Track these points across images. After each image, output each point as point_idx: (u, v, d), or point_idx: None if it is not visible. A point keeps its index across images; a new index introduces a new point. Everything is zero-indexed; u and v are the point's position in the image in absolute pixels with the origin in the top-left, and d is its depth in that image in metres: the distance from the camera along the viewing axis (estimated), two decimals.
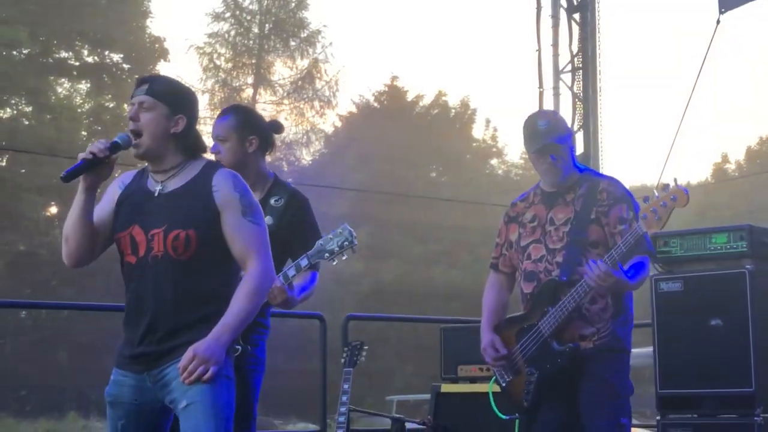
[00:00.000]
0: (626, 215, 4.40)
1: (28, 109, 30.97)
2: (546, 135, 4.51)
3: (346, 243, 4.57)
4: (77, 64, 32.51)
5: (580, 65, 10.44)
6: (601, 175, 4.75)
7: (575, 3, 10.53)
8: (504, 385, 4.65)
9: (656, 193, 4.19)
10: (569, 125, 10.17)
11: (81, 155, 3.66)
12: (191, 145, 3.81)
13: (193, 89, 3.93)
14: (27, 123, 30.32)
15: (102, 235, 3.79)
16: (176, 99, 3.77)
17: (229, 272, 3.75)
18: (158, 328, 3.64)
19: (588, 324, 4.40)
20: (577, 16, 10.53)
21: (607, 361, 4.41)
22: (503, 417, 4.96)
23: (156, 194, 3.74)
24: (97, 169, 3.68)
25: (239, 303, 3.64)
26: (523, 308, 4.59)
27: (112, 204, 3.80)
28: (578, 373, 4.40)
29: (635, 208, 4.39)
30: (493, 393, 4.93)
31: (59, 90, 32.74)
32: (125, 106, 31.65)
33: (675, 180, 4.20)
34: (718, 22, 6.57)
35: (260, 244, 3.72)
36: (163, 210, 3.70)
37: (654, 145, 68.07)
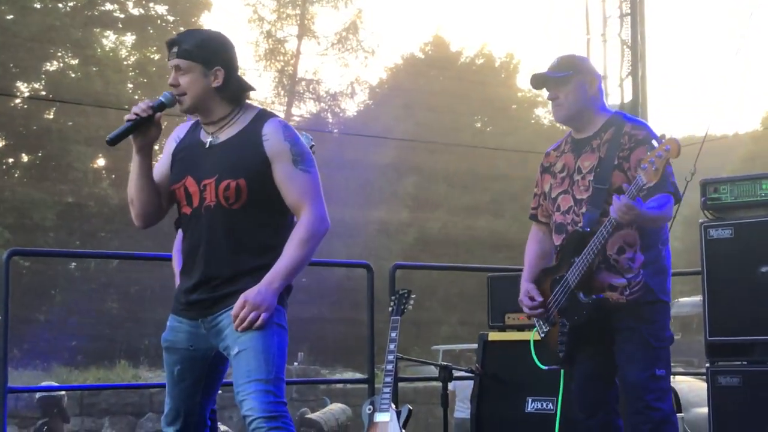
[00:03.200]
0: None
1: (74, 61, 31.10)
2: (549, 69, 4.56)
3: None
4: (122, 16, 32.56)
5: (628, 11, 10.32)
6: (628, 118, 4.66)
7: None
8: (543, 335, 4.68)
9: (654, 144, 4.19)
10: (618, 73, 10.17)
11: (126, 117, 3.69)
12: (235, 92, 3.81)
13: (229, 38, 3.91)
14: (73, 75, 30.44)
15: (166, 191, 3.84)
16: (208, 53, 3.76)
17: (283, 223, 3.79)
18: (213, 276, 3.70)
19: (617, 274, 4.37)
20: None
21: (638, 314, 4.37)
22: (543, 367, 5.01)
23: (207, 145, 3.78)
24: (143, 129, 3.71)
25: (291, 249, 3.67)
26: (555, 260, 4.61)
27: (169, 158, 3.86)
28: (610, 325, 4.40)
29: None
30: (534, 343, 4.97)
31: (105, 42, 32.82)
32: None
33: (668, 133, 4.17)
34: None
35: (312, 192, 3.74)
36: (214, 160, 3.73)
37: (702, 94, 67.22)
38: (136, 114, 3.67)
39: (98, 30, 32.07)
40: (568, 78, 4.52)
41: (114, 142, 3.69)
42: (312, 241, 3.69)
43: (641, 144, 4.37)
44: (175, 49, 3.74)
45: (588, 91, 4.55)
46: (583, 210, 4.43)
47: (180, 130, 3.92)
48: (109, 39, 33.19)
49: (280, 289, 3.65)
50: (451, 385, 7.09)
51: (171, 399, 3.85)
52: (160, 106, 3.72)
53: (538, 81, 4.59)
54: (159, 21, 32.91)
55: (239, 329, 3.58)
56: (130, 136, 3.72)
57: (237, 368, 3.61)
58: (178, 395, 3.83)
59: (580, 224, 4.42)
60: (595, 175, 4.42)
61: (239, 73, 3.89)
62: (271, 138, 3.72)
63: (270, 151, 3.70)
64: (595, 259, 4.33)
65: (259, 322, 3.58)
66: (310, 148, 5.12)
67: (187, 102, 3.75)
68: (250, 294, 3.59)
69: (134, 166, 3.77)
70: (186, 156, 3.82)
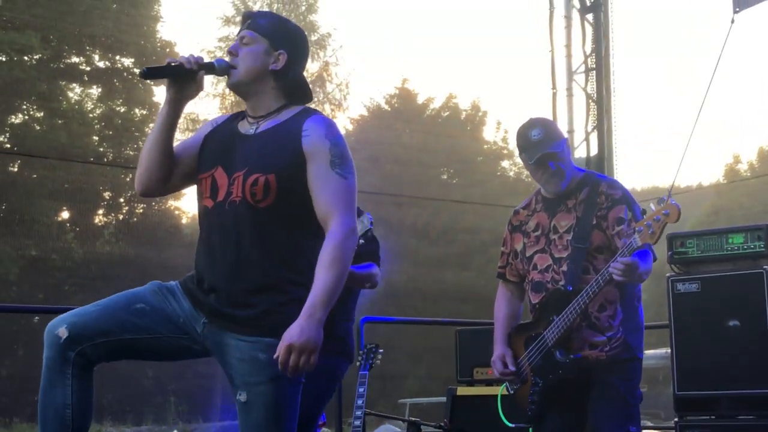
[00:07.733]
0: (624, 215, 4.35)
1: (40, 114, 30.99)
2: (541, 145, 4.45)
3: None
4: (88, 69, 32.52)
5: (594, 66, 10.41)
6: (602, 177, 4.70)
7: (588, 3, 10.53)
8: (512, 392, 4.65)
9: (652, 207, 4.16)
10: (584, 126, 10.26)
11: (169, 60, 3.39)
12: (293, 86, 3.50)
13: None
14: (38, 128, 30.31)
15: (180, 167, 3.49)
16: (279, 34, 3.48)
17: (310, 236, 3.36)
18: (227, 283, 3.31)
19: (598, 332, 4.36)
20: (590, 16, 10.53)
21: (617, 370, 4.37)
22: (509, 424, 4.99)
23: (245, 135, 3.43)
24: (181, 80, 3.39)
25: (324, 272, 3.22)
26: (532, 317, 4.57)
27: (199, 140, 3.53)
28: (586, 382, 4.38)
29: (635, 208, 4.36)
30: (502, 399, 4.95)
31: (70, 95, 32.73)
32: (136, 110, 31.75)
33: (669, 194, 4.16)
34: (732, 21, 6.50)
35: (346, 201, 3.31)
36: (247, 152, 3.37)
37: (667, 146, 67.89)
38: (180, 62, 3.35)
39: (64, 83, 32.00)
40: (563, 145, 4.52)
41: (148, 74, 3.39)
42: (345, 259, 3.24)
43: (618, 203, 4.39)
44: (247, 22, 3.50)
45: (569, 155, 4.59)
46: (563, 268, 4.40)
47: (219, 118, 3.60)
48: (74, 91, 33.12)
49: (322, 319, 3.18)
50: None
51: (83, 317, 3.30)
52: (209, 66, 3.41)
53: (546, 158, 4.46)
54: (125, 73, 32.89)
55: (290, 375, 3.19)
56: (166, 82, 3.39)
57: (245, 419, 3.27)
58: (101, 315, 3.30)
59: (561, 282, 4.39)
60: (574, 235, 4.41)
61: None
62: (311, 134, 3.34)
63: (307, 148, 3.31)
64: (576, 318, 4.31)
65: (309, 366, 3.16)
66: (367, 232, 4.98)
67: (238, 75, 3.43)
68: (293, 335, 3.14)
69: (159, 118, 3.43)
70: (218, 143, 3.46)
